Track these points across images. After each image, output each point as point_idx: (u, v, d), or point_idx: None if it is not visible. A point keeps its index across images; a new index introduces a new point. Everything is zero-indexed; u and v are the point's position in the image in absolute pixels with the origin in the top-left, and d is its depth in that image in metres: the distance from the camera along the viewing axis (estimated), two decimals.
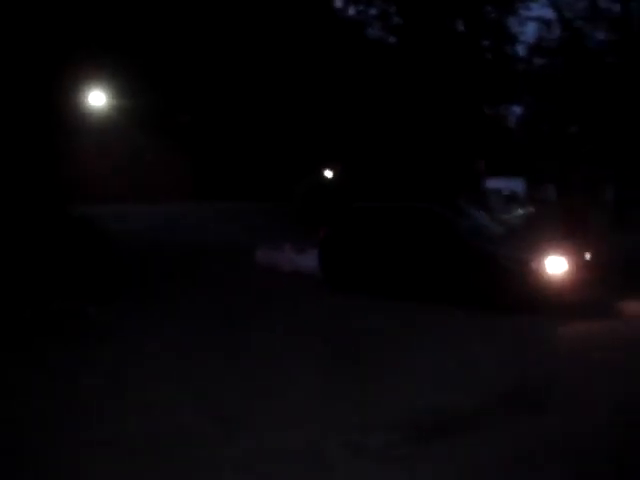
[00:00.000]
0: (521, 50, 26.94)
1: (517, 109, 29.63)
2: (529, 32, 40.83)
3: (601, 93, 25.63)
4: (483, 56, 24.26)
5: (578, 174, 24.95)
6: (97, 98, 25.06)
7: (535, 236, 12.13)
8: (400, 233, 10.88)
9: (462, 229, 10.57)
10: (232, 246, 15.97)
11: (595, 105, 26.00)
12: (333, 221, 12.51)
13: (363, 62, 27.39)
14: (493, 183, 22.04)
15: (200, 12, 28.51)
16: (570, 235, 18.14)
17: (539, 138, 27.14)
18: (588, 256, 11.60)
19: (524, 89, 26.76)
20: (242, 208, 26.07)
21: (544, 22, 26.83)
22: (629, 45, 24.83)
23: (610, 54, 27.15)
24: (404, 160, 24.23)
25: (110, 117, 28.03)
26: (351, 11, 31.17)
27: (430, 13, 24.24)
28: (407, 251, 10.68)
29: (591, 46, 26.97)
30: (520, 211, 23.44)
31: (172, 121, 32.08)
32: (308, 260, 12.86)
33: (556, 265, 9.66)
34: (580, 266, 10.32)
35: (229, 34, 28.33)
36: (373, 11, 30.62)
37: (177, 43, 28.10)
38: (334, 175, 27.24)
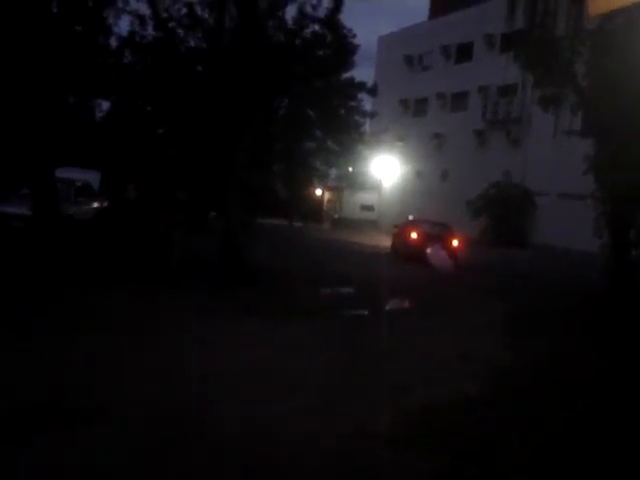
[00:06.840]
0: (113, 43, 26.02)
1: (106, 103, 28.89)
2: (123, 25, 39.66)
3: (187, 99, 26.34)
4: (75, 43, 22.76)
5: (159, 175, 25.19)
6: None
7: None
8: None
9: None
10: None
11: (181, 110, 26.56)
12: None
13: None
14: (65, 173, 20.83)
15: None
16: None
17: (124, 134, 26.73)
18: None
19: (113, 83, 26.05)
20: None
21: (138, 17, 26.36)
22: (216, 57, 25.69)
23: (199, 62, 27.96)
24: None
25: None
26: None
27: None
28: None
29: (183, 51, 27.42)
30: (94, 204, 22.58)
31: None
32: None
33: None
34: None
35: None
36: None
37: None
38: None
